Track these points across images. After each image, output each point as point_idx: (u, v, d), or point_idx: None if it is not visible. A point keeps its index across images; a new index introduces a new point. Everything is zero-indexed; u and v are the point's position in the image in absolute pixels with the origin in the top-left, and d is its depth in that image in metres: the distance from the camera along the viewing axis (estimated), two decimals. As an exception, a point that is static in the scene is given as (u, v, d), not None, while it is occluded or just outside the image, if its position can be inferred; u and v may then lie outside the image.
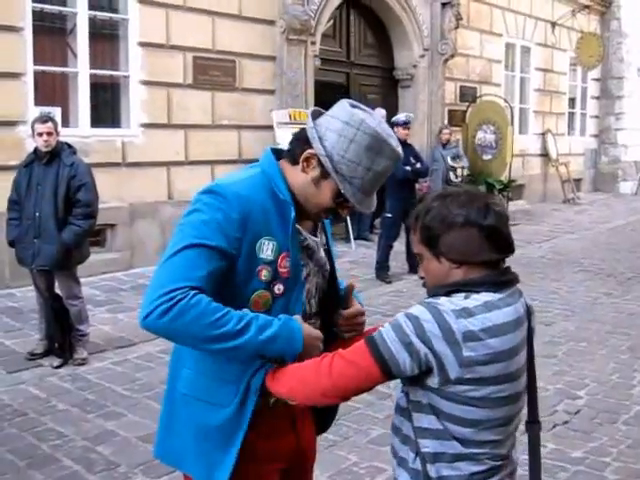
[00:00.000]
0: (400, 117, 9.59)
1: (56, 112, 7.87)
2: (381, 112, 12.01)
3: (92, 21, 8.68)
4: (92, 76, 8.67)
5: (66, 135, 6.99)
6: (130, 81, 8.94)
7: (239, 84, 10.04)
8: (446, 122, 13.70)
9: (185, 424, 2.17)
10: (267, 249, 2.09)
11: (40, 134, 5.76)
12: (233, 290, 2.06)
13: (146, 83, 9.03)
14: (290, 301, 2.15)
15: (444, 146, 12.73)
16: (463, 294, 1.87)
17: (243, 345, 1.95)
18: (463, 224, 1.86)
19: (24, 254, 5.81)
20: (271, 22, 10.39)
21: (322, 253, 2.30)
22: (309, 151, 2.09)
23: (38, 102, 8.06)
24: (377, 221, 11.27)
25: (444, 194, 1.96)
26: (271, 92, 10.50)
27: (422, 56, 13.19)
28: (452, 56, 13.61)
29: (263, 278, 2.09)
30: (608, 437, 4.55)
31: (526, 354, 1.99)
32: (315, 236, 2.28)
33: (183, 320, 1.89)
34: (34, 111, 7.62)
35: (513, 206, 14.55)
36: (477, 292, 1.87)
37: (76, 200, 5.71)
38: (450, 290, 1.89)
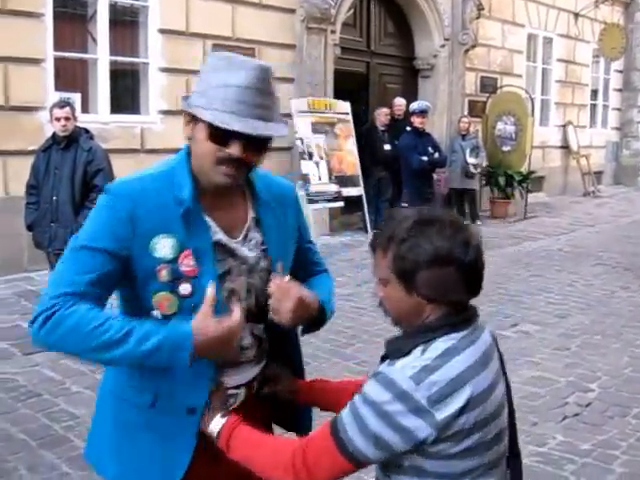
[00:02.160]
0: (416, 105, 9.55)
1: (76, 98, 7.95)
2: (401, 101, 12.02)
3: (113, 7, 8.72)
4: (112, 62, 8.71)
5: (86, 121, 7.05)
6: (150, 68, 8.98)
7: (259, 72, 10.04)
8: (466, 112, 13.65)
9: (105, 421, 2.09)
10: (164, 247, 1.93)
11: (58, 119, 5.82)
12: (136, 293, 1.96)
13: (165, 70, 9.06)
14: (202, 302, 1.92)
15: (463, 137, 12.70)
16: (420, 347, 1.70)
17: (123, 356, 1.81)
18: (445, 261, 1.69)
19: (41, 238, 5.89)
20: (291, 10, 10.38)
21: (251, 250, 2.08)
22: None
23: (58, 88, 8.12)
24: (394, 211, 11.23)
25: (424, 220, 1.74)
26: (290, 80, 10.51)
27: (443, 46, 13.14)
28: (473, 46, 13.56)
29: (163, 279, 1.93)
30: (618, 430, 4.54)
31: (503, 383, 1.84)
32: (242, 232, 2.07)
33: (59, 332, 1.80)
34: (54, 97, 7.70)
35: (532, 198, 14.47)
36: (436, 338, 1.71)
37: (93, 185, 5.77)
38: (411, 348, 1.71)
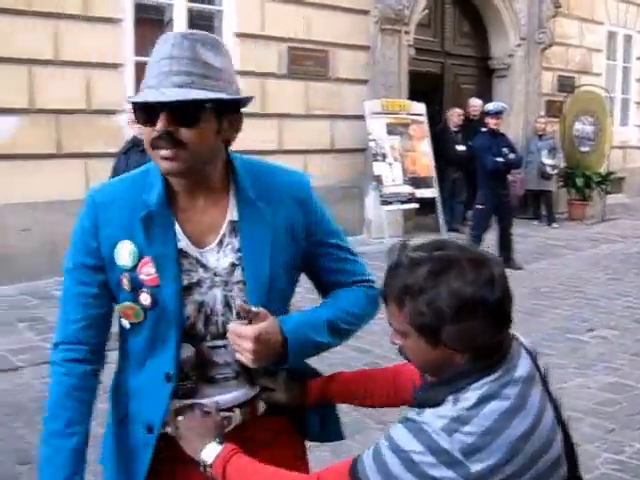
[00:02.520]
0: (491, 106, 9.45)
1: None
2: (476, 102, 11.91)
3: (189, 12, 8.88)
4: (189, 66, 8.88)
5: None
6: (226, 71, 9.10)
7: (332, 74, 10.10)
8: (542, 113, 13.44)
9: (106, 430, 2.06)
10: (124, 254, 1.82)
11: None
12: (115, 303, 1.90)
13: (241, 73, 9.16)
14: (164, 314, 1.83)
15: (540, 137, 12.52)
16: (452, 396, 1.54)
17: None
18: (471, 309, 1.50)
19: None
20: (365, 12, 10.40)
21: (226, 257, 1.87)
22: None
23: (138, 92, 8.29)
24: (469, 213, 11.17)
25: (440, 265, 1.54)
26: (364, 82, 10.52)
27: (519, 45, 12.97)
28: (550, 45, 13.35)
29: (125, 287, 1.84)
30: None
31: (551, 404, 1.64)
32: (216, 237, 1.86)
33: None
34: (133, 100, 7.87)
35: (612, 200, 14.15)
36: (468, 385, 1.54)
37: (171, 186, 5.89)
38: (441, 398, 1.55)
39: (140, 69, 8.48)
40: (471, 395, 1.52)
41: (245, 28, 9.19)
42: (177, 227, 1.84)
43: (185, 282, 1.84)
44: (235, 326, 1.79)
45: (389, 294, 1.60)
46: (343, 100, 10.25)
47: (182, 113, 1.69)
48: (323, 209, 2.02)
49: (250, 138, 9.04)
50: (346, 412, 3.01)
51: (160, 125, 1.68)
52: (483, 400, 1.52)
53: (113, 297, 1.88)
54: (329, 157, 10.07)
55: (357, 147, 10.30)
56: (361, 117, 10.24)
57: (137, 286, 1.82)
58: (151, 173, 1.86)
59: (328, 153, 10.04)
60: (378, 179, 10.17)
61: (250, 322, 1.79)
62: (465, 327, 1.51)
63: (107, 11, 7.94)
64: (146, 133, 1.73)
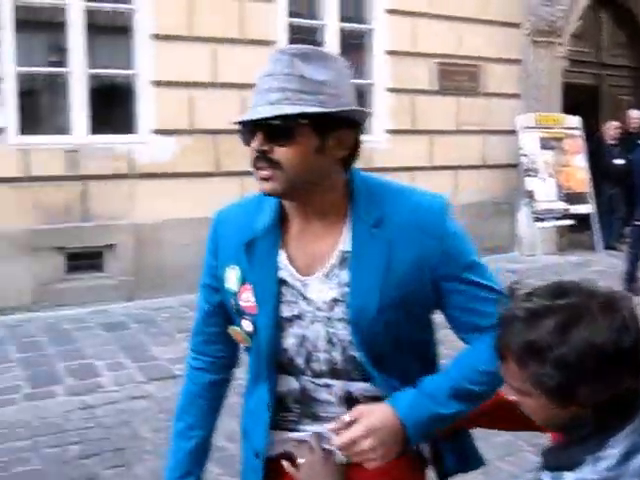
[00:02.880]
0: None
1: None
2: (636, 114, 11.46)
3: (342, 32, 9.04)
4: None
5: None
6: (376, 89, 9.21)
7: (483, 88, 10.00)
8: None
9: None
10: (231, 278, 1.80)
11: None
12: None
13: (392, 90, 9.25)
14: (261, 344, 1.78)
15: None
16: (590, 458, 1.35)
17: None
18: (608, 363, 1.32)
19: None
20: (516, 25, 10.24)
21: (327, 295, 1.72)
22: None
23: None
24: (627, 230, 10.74)
25: (568, 317, 1.34)
26: (516, 96, 10.35)
27: (681, 54, 12.39)
28: None
29: (233, 311, 1.83)
30: None
31: None
32: (323, 268, 1.72)
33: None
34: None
35: None
36: (607, 442, 1.35)
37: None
38: (578, 459, 1.36)
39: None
40: (612, 452, 1.34)
41: (396, 45, 9.25)
42: (283, 255, 1.75)
43: (286, 313, 1.75)
44: (340, 437, 1.64)
45: (506, 350, 1.41)
46: (494, 115, 10.12)
47: (275, 131, 1.61)
48: (460, 238, 1.76)
49: (400, 154, 9.13)
50: (497, 433, 2.95)
51: (254, 144, 1.63)
52: (627, 456, 1.34)
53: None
54: (480, 173, 9.96)
55: (509, 162, 10.13)
56: (513, 132, 10.08)
57: (240, 312, 1.80)
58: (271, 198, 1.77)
59: (479, 169, 9.93)
60: (530, 195, 9.97)
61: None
62: (601, 382, 1.33)
63: (262, 34, 8.22)
64: (250, 153, 1.67)
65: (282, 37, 8.44)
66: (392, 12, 9.18)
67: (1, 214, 7.03)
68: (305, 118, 1.59)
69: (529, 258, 9.96)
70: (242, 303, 1.78)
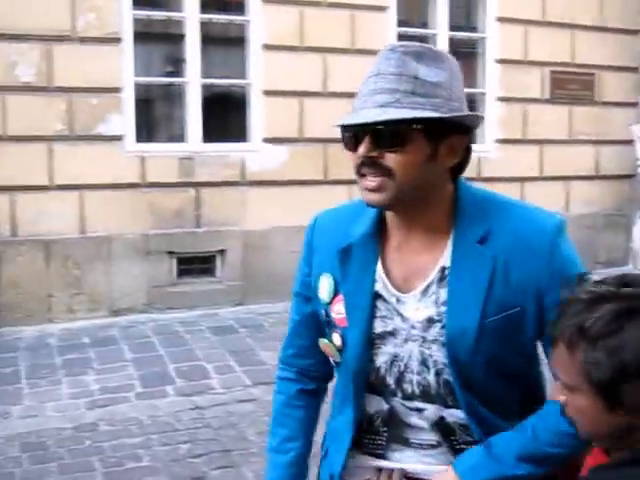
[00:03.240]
0: None
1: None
2: None
3: (452, 41, 8.99)
4: (450, 94, 8.98)
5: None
6: (487, 97, 9.11)
7: (598, 97, 9.74)
8: None
9: None
10: (324, 288, 1.69)
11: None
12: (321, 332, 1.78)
13: (503, 99, 9.12)
14: (349, 360, 1.67)
15: None
16: None
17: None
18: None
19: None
20: (633, 32, 9.93)
21: (422, 313, 1.59)
22: None
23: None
24: None
25: (629, 307, 1.22)
26: (632, 105, 10.04)
27: None
28: None
29: (324, 323, 1.72)
30: None
31: None
32: (422, 284, 1.60)
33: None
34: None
35: None
36: None
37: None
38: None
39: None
40: None
41: (507, 54, 9.12)
42: (380, 267, 1.63)
43: (379, 329, 1.63)
44: None
45: (559, 334, 1.29)
46: (609, 124, 9.84)
47: (385, 136, 1.48)
48: (573, 263, 1.60)
49: (510, 164, 9.00)
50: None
51: (362, 150, 1.50)
52: None
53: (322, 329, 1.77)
54: (593, 184, 9.69)
55: (624, 173, 9.83)
56: (628, 142, 9.78)
57: (331, 324, 1.69)
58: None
59: (592, 180, 9.67)
60: (647, 206, 9.65)
61: None
62: None
63: (372, 43, 8.25)
64: (351, 159, 1.55)
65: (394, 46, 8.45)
66: (503, 20, 9.06)
67: (118, 218, 7.30)
68: (419, 123, 1.48)
69: (644, 272, 9.63)
70: (334, 315, 1.67)
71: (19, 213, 7.04)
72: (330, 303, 1.68)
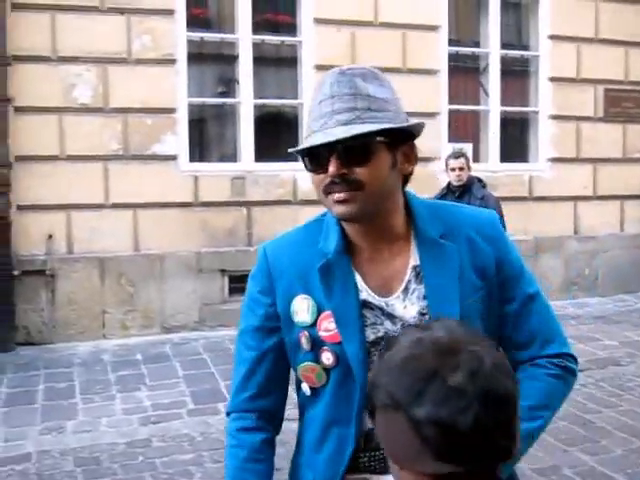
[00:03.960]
0: None
1: (468, 148, 8.27)
2: None
3: (503, 59, 8.96)
4: (502, 112, 8.92)
5: (477, 170, 7.30)
6: (540, 116, 9.04)
7: (654, 115, 9.61)
8: None
9: None
10: (302, 310, 1.67)
11: (453, 169, 6.14)
12: (290, 366, 1.75)
13: (556, 117, 9.05)
14: (350, 372, 1.64)
15: None
16: None
17: None
18: (385, 404, 1.11)
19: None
20: (691, 49, 9.79)
21: (413, 305, 1.66)
22: None
23: (451, 139, 8.54)
24: None
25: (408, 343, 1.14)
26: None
27: None
28: None
29: (304, 346, 1.68)
30: None
31: None
32: (401, 285, 1.67)
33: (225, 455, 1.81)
34: (447, 148, 8.09)
35: None
36: None
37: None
38: None
39: (453, 117, 8.73)
40: None
41: (560, 72, 9.05)
42: (358, 278, 1.67)
43: (371, 337, 1.66)
44: None
45: None
46: (664, 142, 9.70)
47: (353, 151, 1.55)
48: (515, 251, 1.78)
49: (563, 183, 8.91)
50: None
51: (333, 169, 1.55)
52: None
53: (286, 361, 1.74)
54: (648, 203, 9.56)
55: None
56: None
57: (317, 344, 1.66)
58: (326, 222, 1.73)
59: (647, 198, 9.54)
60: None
61: None
62: (379, 424, 1.18)
63: (424, 62, 8.27)
64: (316, 181, 1.61)
65: (443, 65, 8.46)
66: (555, 38, 9.01)
67: (172, 237, 7.41)
68: (383, 135, 1.56)
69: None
70: (322, 333, 1.66)
71: (75, 231, 7.19)
72: (315, 323, 1.67)
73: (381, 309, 1.66)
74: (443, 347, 1.11)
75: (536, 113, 9.08)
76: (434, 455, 1.06)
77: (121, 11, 7.22)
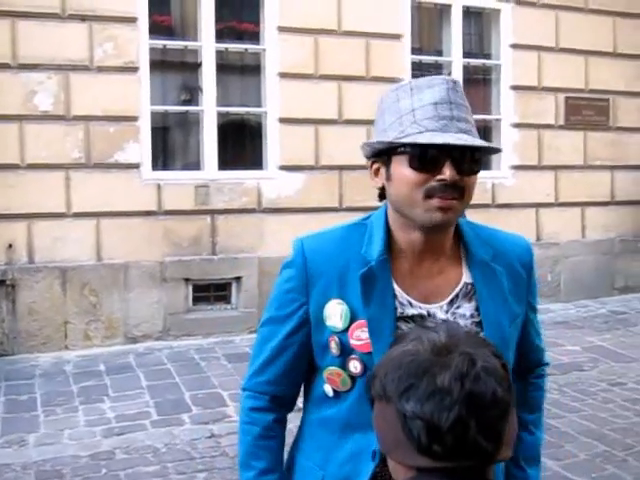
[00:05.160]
0: None
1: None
2: None
3: (465, 68, 9.02)
4: (465, 120, 8.98)
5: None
6: (502, 124, 9.12)
7: (613, 123, 9.73)
8: None
9: None
10: (335, 315, 1.66)
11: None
12: (315, 364, 1.75)
13: (518, 125, 9.14)
14: None
15: None
16: None
17: None
18: (380, 396, 1.20)
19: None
20: (647, 57, 9.96)
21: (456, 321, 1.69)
22: (368, 162, 1.73)
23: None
24: None
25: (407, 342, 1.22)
26: (651, 130, 10.03)
27: None
28: None
29: (333, 351, 1.68)
30: None
31: None
32: (447, 297, 1.69)
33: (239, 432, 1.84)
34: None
35: None
36: None
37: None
38: None
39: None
40: None
41: (522, 80, 9.15)
42: (398, 289, 1.67)
43: None
44: None
45: None
46: (624, 149, 9.83)
47: (469, 161, 1.59)
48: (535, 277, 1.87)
49: (525, 190, 8.99)
50: None
51: (452, 174, 1.55)
52: None
53: (311, 358, 1.75)
54: (609, 209, 9.67)
55: (640, 199, 9.82)
56: (642, 167, 9.77)
57: (347, 351, 1.66)
58: (370, 226, 1.73)
59: (608, 205, 9.65)
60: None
61: None
62: (376, 415, 1.28)
63: (387, 71, 8.29)
64: (416, 180, 1.58)
65: (406, 74, 8.49)
66: (517, 47, 9.10)
67: (134, 246, 7.34)
68: (491, 153, 1.73)
69: (662, 298, 9.56)
70: (353, 341, 1.65)
71: (36, 240, 7.08)
72: (347, 330, 1.66)
73: (417, 321, 1.65)
74: (438, 347, 1.17)
75: (498, 121, 9.16)
76: (417, 449, 1.12)
77: (83, 18, 7.14)
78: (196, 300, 7.64)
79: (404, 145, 1.59)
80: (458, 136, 1.56)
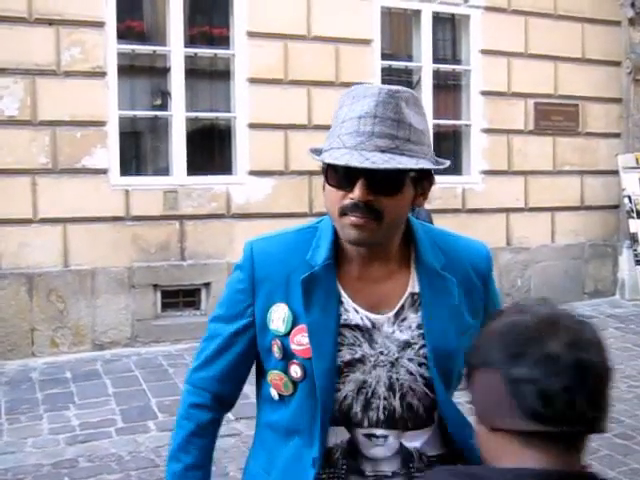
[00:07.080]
0: None
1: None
2: None
3: (436, 73, 9.05)
4: (435, 126, 8.99)
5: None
6: (472, 129, 9.16)
7: (582, 128, 9.81)
8: None
9: None
10: (278, 318, 1.66)
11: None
12: (260, 366, 1.78)
13: (487, 131, 9.17)
14: (315, 390, 1.62)
15: None
16: None
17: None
18: (484, 363, 1.23)
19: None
20: (616, 63, 10.02)
21: (402, 332, 1.65)
22: None
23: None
24: None
25: (510, 314, 1.27)
26: (616, 135, 10.10)
27: None
28: None
29: (275, 355, 1.68)
30: None
31: None
32: (393, 309, 1.66)
33: (176, 425, 1.86)
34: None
35: None
36: None
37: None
38: None
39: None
40: None
41: (491, 86, 9.19)
42: (344, 296, 1.66)
43: (347, 357, 1.64)
44: None
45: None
46: (594, 155, 9.91)
47: (383, 181, 1.53)
48: (495, 285, 1.85)
49: (495, 195, 9.02)
50: None
51: (359, 194, 1.51)
52: None
53: (258, 358, 1.77)
54: (578, 214, 9.73)
55: (609, 204, 9.88)
56: (614, 172, 9.83)
57: (288, 355, 1.66)
58: (320, 231, 1.71)
59: (577, 210, 9.71)
60: (633, 237, 9.66)
61: None
62: (477, 385, 1.30)
63: (357, 76, 8.29)
64: (333, 197, 1.58)
65: (376, 79, 8.51)
66: (487, 52, 9.14)
67: (102, 252, 7.27)
68: (414, 171, 1.58)
69: (630, 303, 9.62)
70: (294, 346, 1.65)
71: (2, 246, 7.00)
72: (288, 334, 1.66)
73: (362, 330, 1.65)
74: (545, 318, 1.22)
75: (468, 126, 9.19)
76: (524, 414, 1.16)
77: (50, 22, 7.08)
78: (165, 306, 7.59)
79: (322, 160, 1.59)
80: (370, 155, 1.49)
